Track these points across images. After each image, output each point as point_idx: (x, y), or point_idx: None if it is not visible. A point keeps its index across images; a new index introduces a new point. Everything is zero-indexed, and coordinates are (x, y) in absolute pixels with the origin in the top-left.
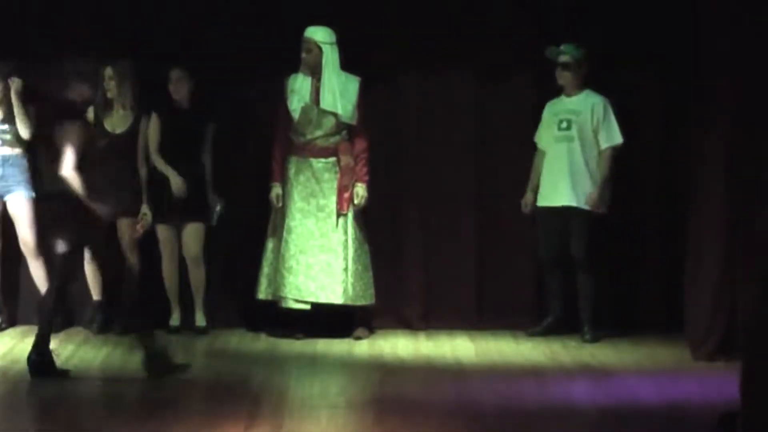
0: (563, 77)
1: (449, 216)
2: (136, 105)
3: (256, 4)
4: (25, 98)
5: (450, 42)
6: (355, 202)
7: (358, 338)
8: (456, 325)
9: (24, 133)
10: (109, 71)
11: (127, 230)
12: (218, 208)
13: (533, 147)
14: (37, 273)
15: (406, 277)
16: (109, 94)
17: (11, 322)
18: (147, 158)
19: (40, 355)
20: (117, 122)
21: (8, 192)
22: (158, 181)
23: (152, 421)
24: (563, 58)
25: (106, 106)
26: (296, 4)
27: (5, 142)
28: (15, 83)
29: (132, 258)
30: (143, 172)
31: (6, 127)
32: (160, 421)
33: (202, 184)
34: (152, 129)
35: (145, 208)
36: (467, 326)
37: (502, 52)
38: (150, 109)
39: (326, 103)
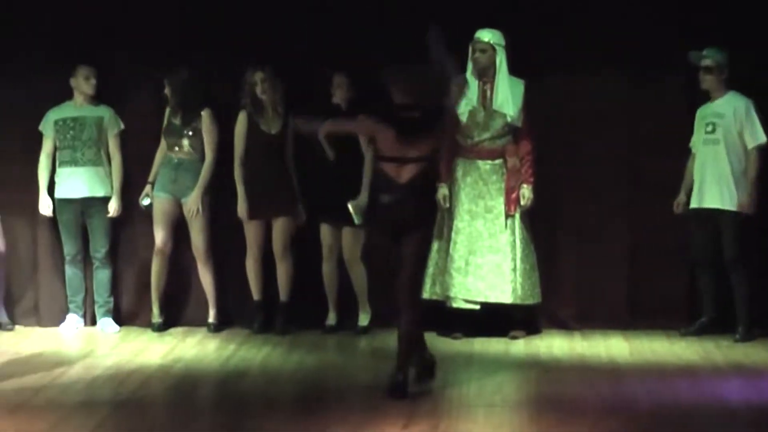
0: (706, 81)
1: (602, 216)
2: (284, 107)
3: (419, 9)
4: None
5: (601, 43)
6: (522, 203)
7: (515, 338)
8: (610, 325)
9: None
10: (260, 75)
11: (283, 230)
12: (356, 209)
13: (685, 148)
14: (206, 277)
15: (560, 278)
16: (262, 97)
17: (171, 323)
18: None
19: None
20: (271, 123)
21: (183, 196)
22: (319, 181)
23: (312, 419)
24: (705, 62)
25: (258, 109)
26: (463, 9)
27: (181, 148)
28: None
29: (287, 257)
30: (293, 171)
31: (186, 132)
32: (320, 420)
33: (360, 185)
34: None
35: (301, 208)
36: (621, 326)
37: (653, 54)
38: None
39: (498, 104)
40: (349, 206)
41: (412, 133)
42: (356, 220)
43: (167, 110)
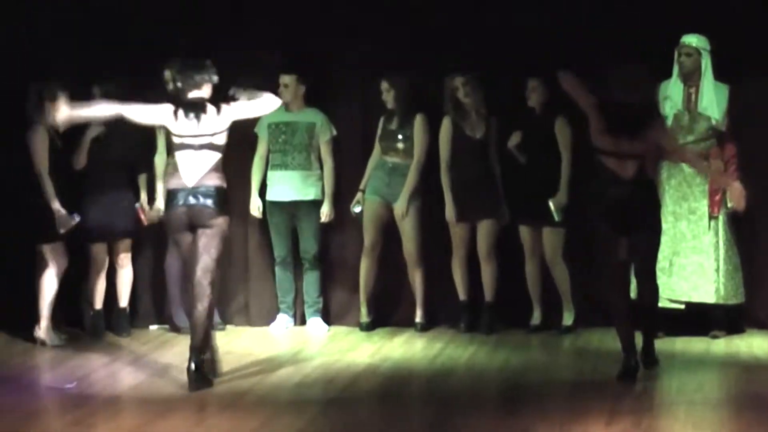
0: None
1: None
2: (487, 110)
3: (613, 13)
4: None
5: None
6: (729, 205)
7: (715, 337)
8: None
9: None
10: (460, 80)
11: (488, 232)
12: (556, 206)
13: None
14: (416, 279)
15: (763, 279)
16: (465, 102)
17: (379, 323)
18: (498, 162)
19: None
20: (475, 127)
21: (394, 200)
22: (517, 183)
23: (516, 417)
24: None
25: (461, 114)
26: (668, 13)
27: (397, 152)
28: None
29: (492, 258)
30: (498, 173)
31: (401, 136)
32: (524, 417)
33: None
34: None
35: (504, 210)
36: None
37: None
38: (503, 116)
39: (703, 107)
40: (550, 204)
41: (623, 128)
42: (556, 217)
43: (383, 116)
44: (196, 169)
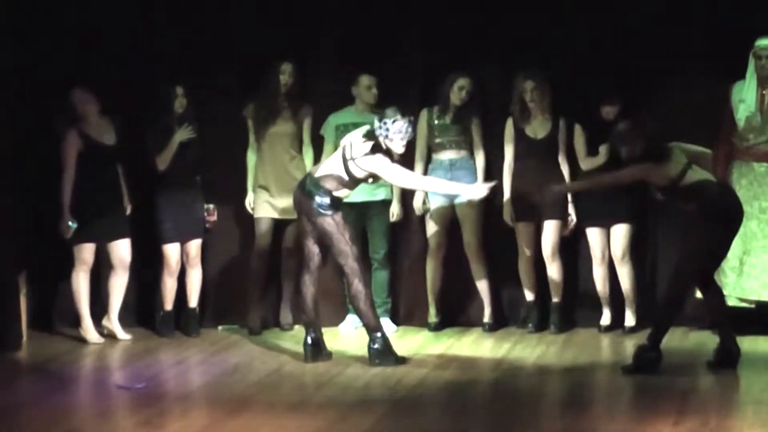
0: None
1: None
2: (553, 112)
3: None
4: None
5: None
6: None
7: None
8: None
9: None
10: (530, 83)
11: (553, 232)
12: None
13: None
14: (480, 277)
15: None
16: (531, 105)
17: (447, 323)
18: (566, 162)
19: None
20: (537, 128)
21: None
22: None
23: (583, 416)
24: None
25: (525, 115)
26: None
27: (453, 146)
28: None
29: (556, 259)
30: (565, 174)
31: (454, 133)
32: (591, 417)
33: (630, 184)
34: (577, 140)
35: (570, 208)
36: None
37: None
38: (572, 119)
39: None
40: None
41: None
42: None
43: (425, 112)
44: None
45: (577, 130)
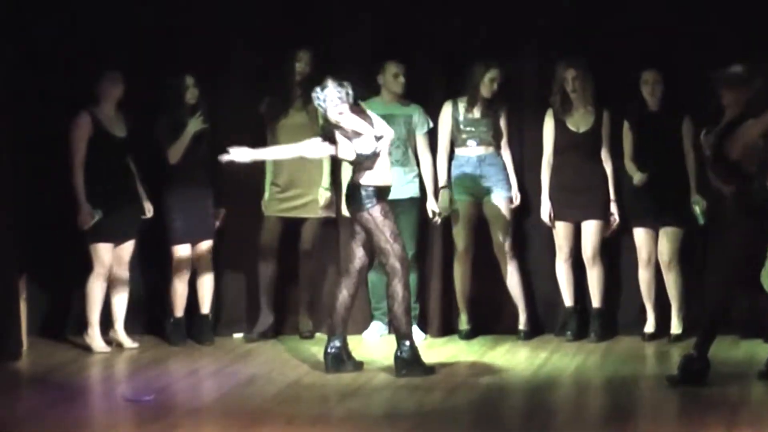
0: None
1: None
2: (596, 103)
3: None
4: None
5: None
6: None
7: None
8: None
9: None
10: (572, 72)
11: (594, 233)
12: (701, 209)
13: None
14: (512, 281)
15: None
16: (572, 95)
17: (480, 330)
18: (610, 158)
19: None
20: (579, 121)
21: (486, 193)
22: (629, 182)
23: (628, 427)
24: None
25: (566, 106)
26: None
27: (481, 142)
28: None
29: (597, 262)
30: (609, 171)
31: (483, 127)
32: (637, 428)
33: (681, 185)
34: (625, 136)
35: (613, 207)
36: None
37: None
38: (622, 115)
39: None
40: (695, 207)
41: None
42: (701, 221)
43: (450, 106)
44: None
45: (626, 126)
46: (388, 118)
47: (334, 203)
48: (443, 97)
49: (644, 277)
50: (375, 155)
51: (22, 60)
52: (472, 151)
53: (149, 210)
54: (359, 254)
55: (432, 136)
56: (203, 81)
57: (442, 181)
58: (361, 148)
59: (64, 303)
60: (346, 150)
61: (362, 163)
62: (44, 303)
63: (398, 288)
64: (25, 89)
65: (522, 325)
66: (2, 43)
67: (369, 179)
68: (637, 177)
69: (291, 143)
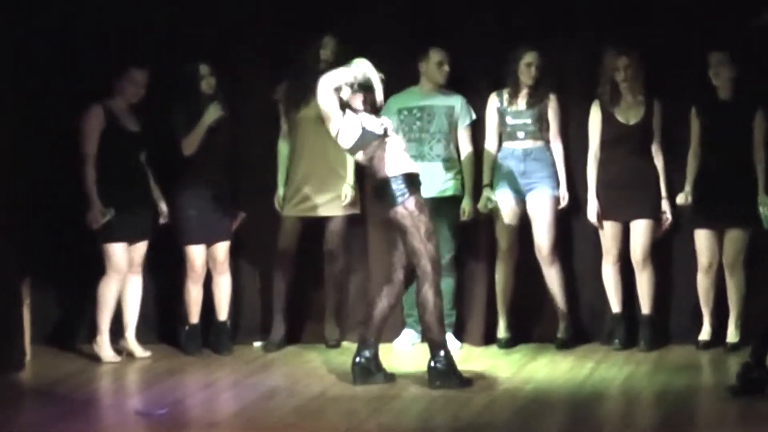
0: None
1: None
2: (646, 93)
3: None
4: None
5: None
6: None
7: None
8: None
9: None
10: (624, 61)
11: (644, 234)
12: (765, 210)
13: None
14: (553, 285)
15: None
16: (623, 85)
17: (520, 338)
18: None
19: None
20: (629, 112)
21: (530, 189)
22: (700, 181)
23: None
24: None
25: (615, 98)
26: None
27: (528, 134)
28: None
29: (647, 264)
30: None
31: (528, 118)
32: None
33: (750, 183)
34: (692, 124)
35: (665, 205)
36: None
37: None
38: (691, 102)
39: None
40: (762, 209)
41: None
42: (766, 225)
43: (494, 96)
44: None
45: (693, 112)
46: (427, 110)
47: (359, 200)
48: (486, 87)
49: (704, 283)
50: (380, 138)
51: (28, 56)
52: (518, 144)
53: (164, 214)
54: (401, 262)
55: (475, 128)
56: (221, 70)
57: (487, 178)
58: (368, 124)
59: (71, 309)
60: (346, 135)
61: (367, 149)
62: (49, 309)
63: (429, 294)
64: (28, 87)
65: (561, 332)
66: (5, 38)
67: (394, 169)
68: (679, 198)
69: (310, 136)
